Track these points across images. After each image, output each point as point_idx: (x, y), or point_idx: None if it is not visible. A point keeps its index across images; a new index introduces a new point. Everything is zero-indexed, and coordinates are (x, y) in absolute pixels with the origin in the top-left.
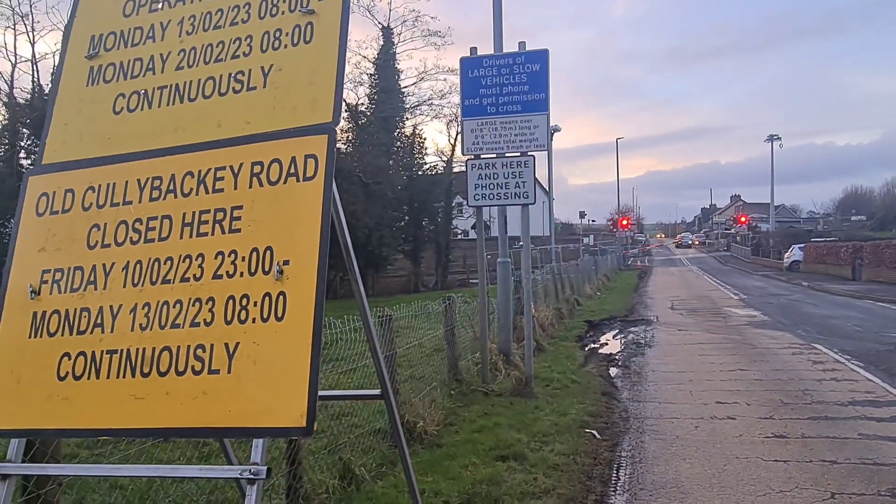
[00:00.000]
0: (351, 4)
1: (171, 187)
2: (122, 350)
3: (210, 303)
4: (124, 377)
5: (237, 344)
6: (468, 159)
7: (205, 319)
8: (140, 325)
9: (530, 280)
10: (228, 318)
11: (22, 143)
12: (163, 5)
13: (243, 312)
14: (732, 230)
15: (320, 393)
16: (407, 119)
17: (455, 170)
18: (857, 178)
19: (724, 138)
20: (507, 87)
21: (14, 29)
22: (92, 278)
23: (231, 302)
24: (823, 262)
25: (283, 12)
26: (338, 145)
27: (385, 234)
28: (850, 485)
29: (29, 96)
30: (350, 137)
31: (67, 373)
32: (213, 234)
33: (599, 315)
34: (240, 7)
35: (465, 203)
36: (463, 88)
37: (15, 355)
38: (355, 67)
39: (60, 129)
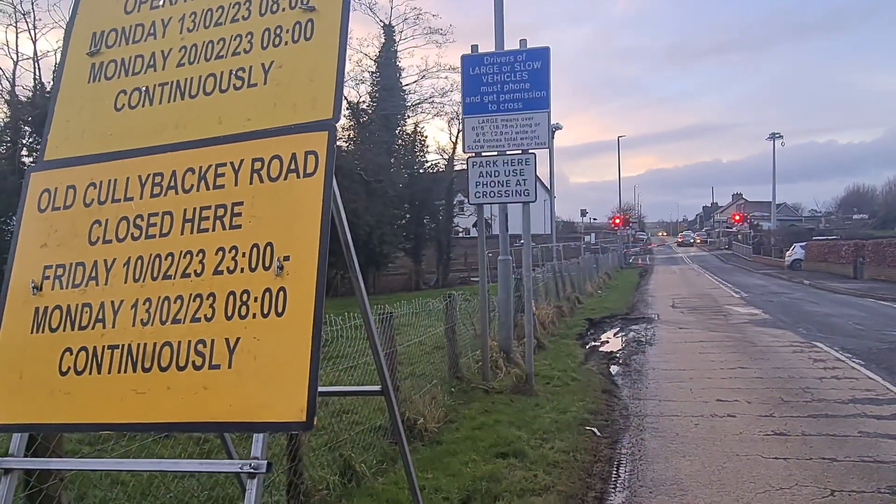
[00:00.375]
0: (352, 2)
1: (172, 184)
2: (123, 345)
3: (211, 298)
4: (125, 372)
5: (238, 339)
6: (469, 157)
7: (205, 315)
8: (141, 320)
9: (531, 278)
10: (229, 314)
11: (24, 141)
12: (164, 2)
13: (244, 308)
14: (734, 228)
15: (321, 389)
16: (408, 117)
17: (456, 168)
18: (860, 176)
19: (726, 136)
20: (509, 84)
21: (16, 27)
22: (93, 274)
23: (231, 297)
24: (825, 261)
25: (283, 9)
26: (339, 143)
27: (386, 232)
28: (849, 482)
29: (31, 94)
30: (351, 135)
31: (69, 368)
32: (213, 230)
33: (600, 313)
34: (241, 4)
35: (466, 201)
36: (464, 86)
37: (17, 351)
38: (357, 65)
39: (62, 126)
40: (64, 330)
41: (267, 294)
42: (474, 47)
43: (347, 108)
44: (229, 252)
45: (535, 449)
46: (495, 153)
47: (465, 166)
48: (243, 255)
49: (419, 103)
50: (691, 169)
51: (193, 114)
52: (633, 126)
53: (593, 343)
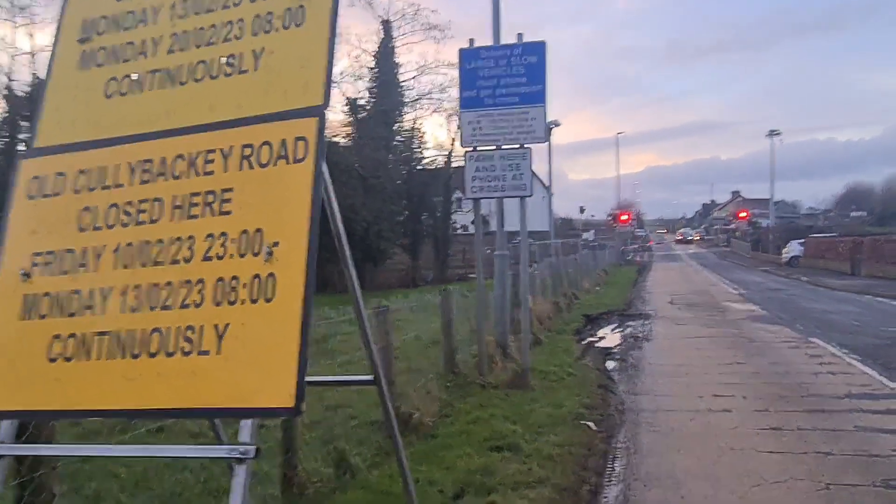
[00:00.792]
0: None
1: (162, 170)
2: (112, 332)
3: (200, 284)
4: (115, 359)
5: (227, 325)
6: (466, 151)
7: (195, 301)
8: (131, 306)
9: (528, 273)
10: (218, 300)
11: (21, 136)
12: None
13: (233, 294)
14: (732, 226)
15: (313, 378)
16: (406, 113)
17: (454, 164)
18: (859, 174)
19: (725, 134)
20: (505, 78)
21: (14, 21)
22: (83, 261)
23: (221, 283)
24: (823, 258)
25: None
26: (337, 139)
27: (384, 228)
28: (844, 476)
29: (28, 89)
30: (349, 131)
31: (58, 355)
32: (203, 216)
33: (597, 309)
34: None
35: (464, 198)
36: (461, 80)
37: (6, 338)
38: (355, 61)
39: (53, 113)
40: (53, 316)
41: (256, 280)
42: (472, 42)
43: (345, 104)
44: (218, 238)
45: (530, 443)
46: (492, 148)
47: (463, 163)
48: (233, 240)
49: (417, 99)
50: (690, 166)
51: (184, 101)
52: (632, 124)
53: (590, 339)
